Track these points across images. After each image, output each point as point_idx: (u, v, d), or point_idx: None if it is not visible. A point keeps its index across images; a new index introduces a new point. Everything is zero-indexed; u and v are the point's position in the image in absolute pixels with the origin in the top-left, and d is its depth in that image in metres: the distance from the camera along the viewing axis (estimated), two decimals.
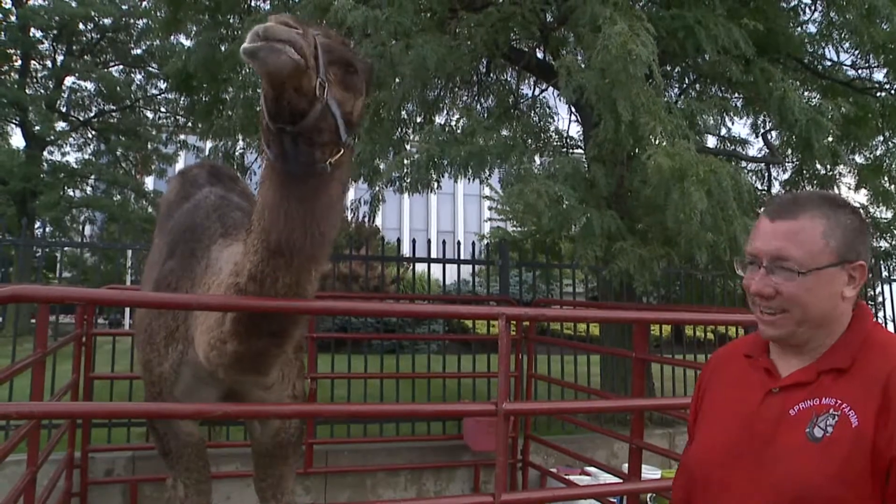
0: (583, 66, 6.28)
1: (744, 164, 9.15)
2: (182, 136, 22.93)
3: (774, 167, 9.27)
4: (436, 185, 7.88)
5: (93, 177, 23.21)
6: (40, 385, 4.02)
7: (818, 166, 8.32)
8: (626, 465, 5.33)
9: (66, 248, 17.26)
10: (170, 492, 3.57)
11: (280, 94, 2.32)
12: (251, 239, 2.66)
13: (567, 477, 6.15)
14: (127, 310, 15.32)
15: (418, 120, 8.77)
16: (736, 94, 8.63)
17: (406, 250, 30.24)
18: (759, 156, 9.47)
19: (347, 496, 6.14)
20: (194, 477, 3.46)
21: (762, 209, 1.64)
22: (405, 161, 7.36)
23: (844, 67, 8.96)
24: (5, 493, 3.86)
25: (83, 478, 5.42)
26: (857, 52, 8.18)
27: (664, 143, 5.63)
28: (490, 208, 22.25)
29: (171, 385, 3.26)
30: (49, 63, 23.27)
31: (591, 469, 6.24)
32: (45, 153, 22.41)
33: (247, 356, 2.81)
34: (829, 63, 8.83)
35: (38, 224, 20.67)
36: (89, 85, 23.20)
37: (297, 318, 2.83)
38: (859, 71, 8.98)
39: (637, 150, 6.26)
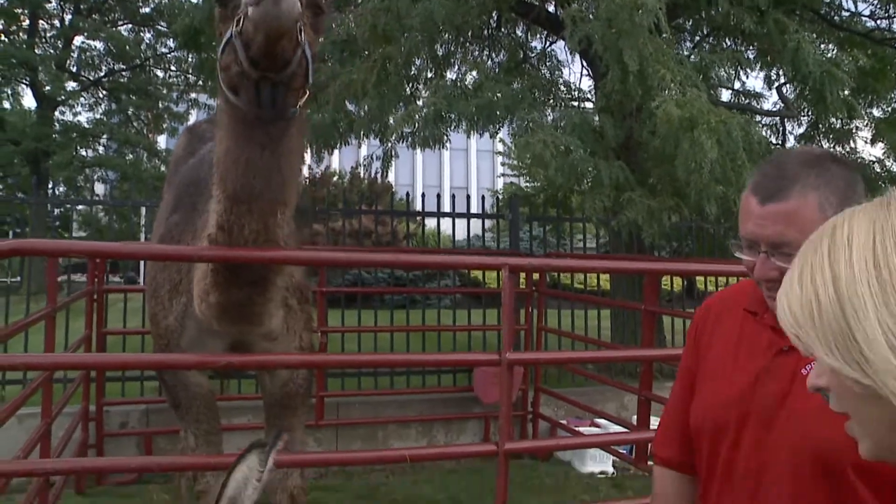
0: (591, 16, 6.20)
1: (758, 118, 9.04)
2: (193, 95, 22.84)
3: (789, 121, 9.16)
4: (446, 139, 7.85)
5: (105, 136, 23.23)
6: (52, 339, 4.07)
7: (833, 120, 8.20)
8: (636, 417, 5.36)
9: (79, 207, 17.38)
10: (182, 443, 3.64)
11: (276, 43, 2.30)
12: (215, 189, 2.69)
13: (577, 429, 6.20)
14: (141, 268, 15.45)
15: (429, 75, 8.70)
16: (750, 47, 8.50)
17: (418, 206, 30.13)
18: (774, 109, 9.36)
19: (358, 447, 6.21)
20: (203, 428, 3.51)
21: (749, 182, 1.55)
22: (413, 116, 7.32)
23: (863, 18, 8.79)
24: (22, 444, 3.94)
25: (99, 430, 5.51)
26: (876, 1, 8.01)
27: (674, 93, 5.56)
28: (503, 164, 22.15)
29: (178, 337, 3.29)
30: (57, 23, 23.16)
31: (601, 421, 6.29)
32: (56, 113, 22.41)
33: (231, 307, 2.85)
34: (846, 14, 8.66)
35: (52, 184, 20.78)
36: (98, 44, 23.09)
37: (275, 266, 2.86)
38: (878, 21, 8.81)
39: (646, 102, 6.20)
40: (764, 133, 8.39)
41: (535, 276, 6.83)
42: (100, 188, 22.40)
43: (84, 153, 23.00)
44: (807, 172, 1.46)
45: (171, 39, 21.22)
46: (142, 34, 23.96)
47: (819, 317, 0.84)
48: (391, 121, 7.99)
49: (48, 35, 23.19)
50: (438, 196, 7.96)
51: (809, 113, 8.54)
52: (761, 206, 1.47)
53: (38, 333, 4.83)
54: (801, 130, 9.09)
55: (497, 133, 7.87)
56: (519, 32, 9.49)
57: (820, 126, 8.60)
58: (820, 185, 1.45)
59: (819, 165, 1.48)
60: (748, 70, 8.77)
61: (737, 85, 9.47)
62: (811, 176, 1.46)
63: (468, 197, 8.17)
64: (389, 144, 8.54)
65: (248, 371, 4.69)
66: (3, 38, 21.65)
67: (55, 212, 12.36)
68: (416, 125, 7.41)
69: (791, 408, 1.48)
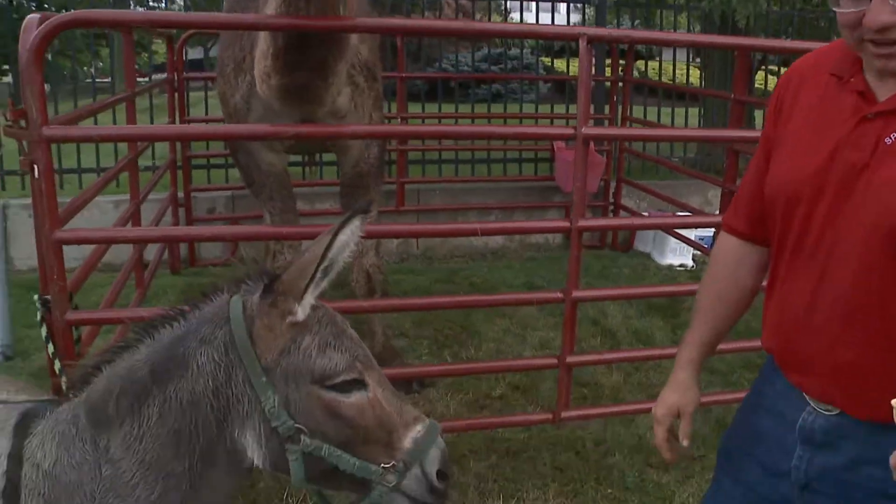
0: None
1: None
2: None
3: None
4: None
5: None
6: (133, 121, 4.14)
7: None
8: (719, 211, 5.21)
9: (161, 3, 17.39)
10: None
11: None
12: None
13: None
14: None
15: None
16: None
17: None
18: None
19: None
20: (278, 206, 3.60)
21: None
22: None
23: None
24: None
25: (188, 215, 5.73)
26: None
27: None
28: None
29: (245, 116, 3.32)
30: None
31: (683, 214, 6.18)
32: None
33: (291, 88, 2.84)
34: None
35: None
36: None
37: (336, 51, 2.78)
38: None
39: None
40: None
41: (621, 69, 6.53)
42: None
43: None
44: None
45: None
46: None
47: None
48: None
49: None
50: None
51: None
52: None
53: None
54: None
55: None
56: None
57: None
58: None
59: None
60: None
61: None
62: None
63: None
64: None
65: (326, 153, 4.70)
66: None
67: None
68: None
69: (869, 180, 1.35)
